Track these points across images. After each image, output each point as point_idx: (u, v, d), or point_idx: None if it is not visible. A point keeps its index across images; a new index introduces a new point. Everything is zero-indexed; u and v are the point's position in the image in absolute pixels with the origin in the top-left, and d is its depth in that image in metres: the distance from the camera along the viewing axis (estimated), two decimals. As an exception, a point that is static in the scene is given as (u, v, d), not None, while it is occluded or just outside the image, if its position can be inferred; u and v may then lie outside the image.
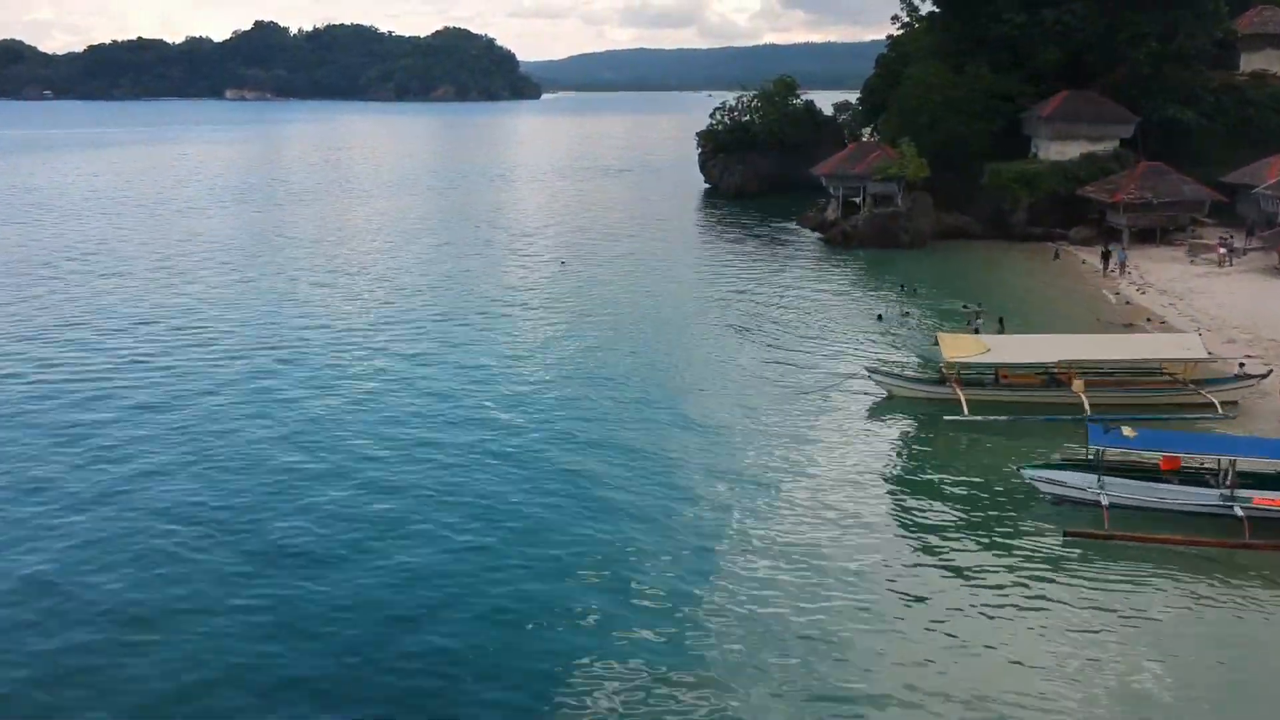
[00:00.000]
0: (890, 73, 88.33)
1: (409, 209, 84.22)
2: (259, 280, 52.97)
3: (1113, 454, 23.71)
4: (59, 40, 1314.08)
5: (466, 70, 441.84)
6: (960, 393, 30.25)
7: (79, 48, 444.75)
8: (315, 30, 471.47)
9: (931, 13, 75.52)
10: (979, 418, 29.29)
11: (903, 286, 49.33)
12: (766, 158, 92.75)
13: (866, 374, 33.42)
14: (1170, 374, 31.85)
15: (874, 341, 40.02)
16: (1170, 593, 20.34)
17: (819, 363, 36.92)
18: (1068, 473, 24.07)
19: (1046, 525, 23.20)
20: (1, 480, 26.33)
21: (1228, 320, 41.46)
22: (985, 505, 24.46)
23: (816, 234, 67.95)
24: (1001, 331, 40.20)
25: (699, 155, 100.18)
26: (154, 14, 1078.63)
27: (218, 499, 24.89)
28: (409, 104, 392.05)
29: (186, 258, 59.86)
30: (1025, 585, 20.58)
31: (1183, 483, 23.50)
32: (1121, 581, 20.72)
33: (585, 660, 18.04)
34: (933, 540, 22.74)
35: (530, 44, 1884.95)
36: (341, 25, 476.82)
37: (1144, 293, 47.95)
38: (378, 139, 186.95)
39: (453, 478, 26.23)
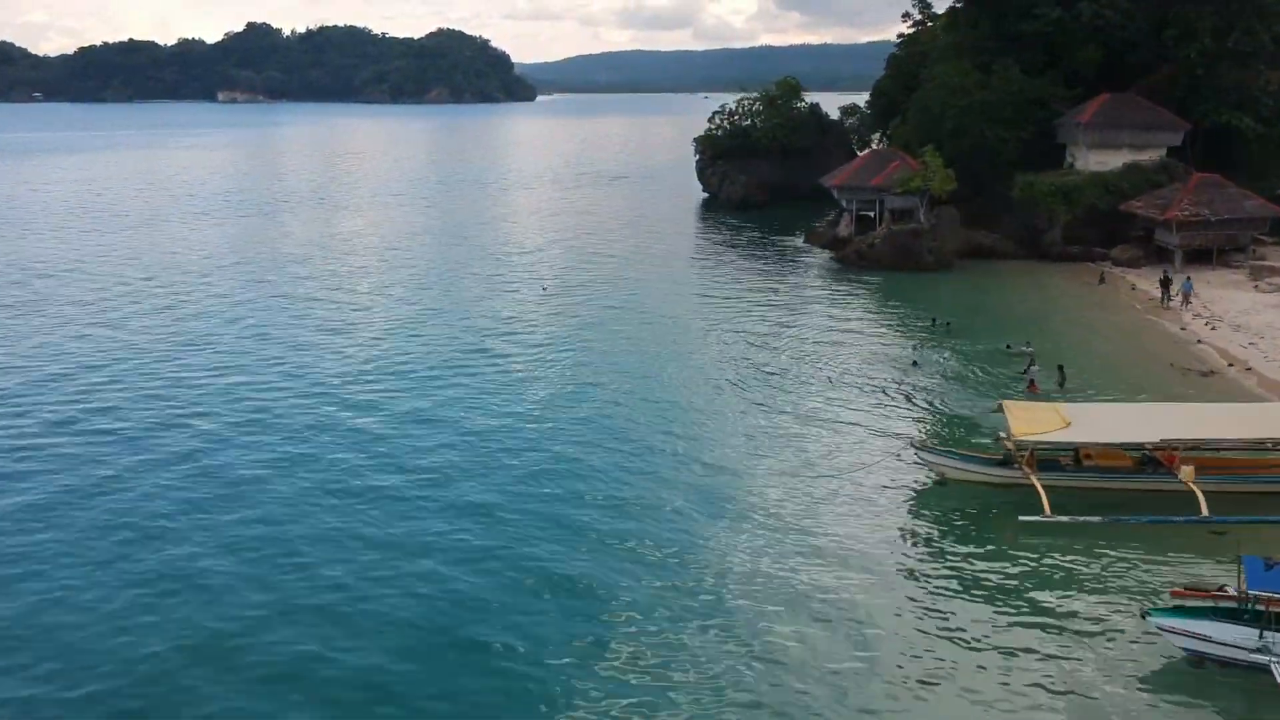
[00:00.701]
0: (903, 74, 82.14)
1: (392, 224, 76.91)
2: (226, 312, 46.24)
3: None
4: (55, 43, 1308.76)
5: (461, 72, 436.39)
6: (1037, 482, 23.50)
7: (73, 50, 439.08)
8: (309, 31, 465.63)
9: (953, 8, 68.75)
10: (1064, 518, 22.54)
11: (934, 320, 42.58)
12: (769, 165, 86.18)
13: (912, 449, 26.73)
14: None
15: (909, 397, 33.14)
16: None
17: (842, 428, 30.02)
18: (1214, 623, 17.38)
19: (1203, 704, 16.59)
20: None
21: (1327, 366, 34.89)
22: (1108, 666, 17.75)
23: (827, 252, 61.22)
24: (1063, 383, 33.66)
25: (697, 162, 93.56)
26: (149, 15, 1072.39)
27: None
28: (403, 106, 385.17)
29: (127, 288, 53.10)
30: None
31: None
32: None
33: None
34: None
35: (526, 46, 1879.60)
36: (335, 26, 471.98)
37: (1214, 328, 41.29)
38: (368, 145, 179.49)
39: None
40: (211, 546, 22.45)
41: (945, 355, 37.57)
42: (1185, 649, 17.61)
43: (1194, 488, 23.05)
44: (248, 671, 17.82)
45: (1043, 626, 19.07)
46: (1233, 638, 17.08)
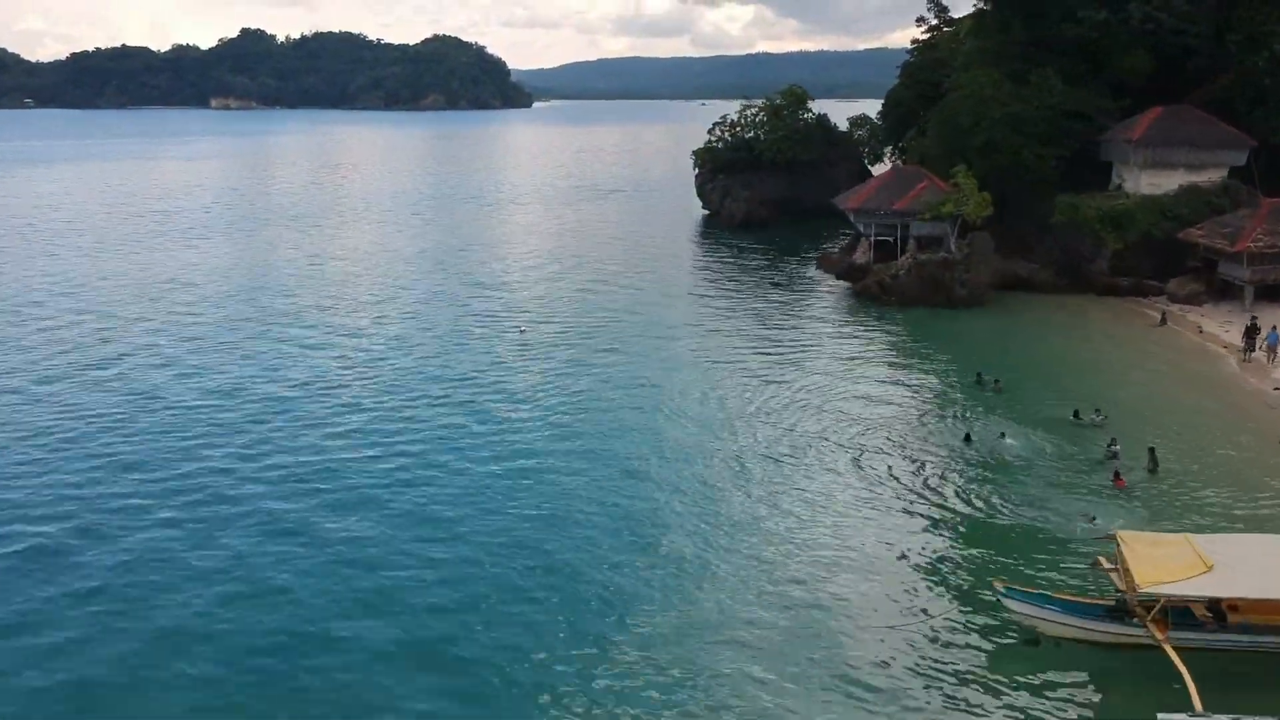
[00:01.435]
0: (919, 82, 75.73)
1: (376, 245, 70.25)
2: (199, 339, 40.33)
3: None
4: (51, 49, 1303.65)
5: (457, 78, 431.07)
6: (1174, 656, 16.85)
7: (67, 56, 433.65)
8: (303, 37, 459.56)
9: (979, 10, 62.28)
10: (1225, 718, 15.85)
11: (979, 376, 35.83)
12: (774, 180, 79.69)
13: (991, 593, 20.01)
14: None
15: (964, 494, 26.18)
16: None
17: (880, 547, 22.99)
18: None
19: None
20: None
21: None
22: None
23: (843, 283, 54.50)
24: (1154, 469, 27.04)
25: (696, 177, 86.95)
26: (145, 21, 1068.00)
27: None
28: (397, 113, 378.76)
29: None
30: None
31: None
32: None
33: None
34: None
35: (524, 53, 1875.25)
36: (330, 33, 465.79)
37: (1314, 388, 34.69)
38: (361, 156, 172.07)
39: None
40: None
41: (1001, 426, 30.67)
42: None
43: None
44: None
45: None
46: None
